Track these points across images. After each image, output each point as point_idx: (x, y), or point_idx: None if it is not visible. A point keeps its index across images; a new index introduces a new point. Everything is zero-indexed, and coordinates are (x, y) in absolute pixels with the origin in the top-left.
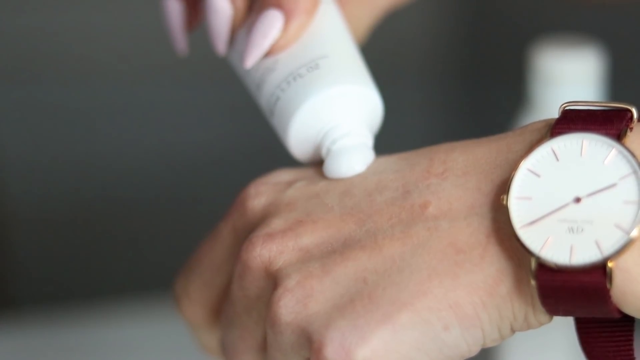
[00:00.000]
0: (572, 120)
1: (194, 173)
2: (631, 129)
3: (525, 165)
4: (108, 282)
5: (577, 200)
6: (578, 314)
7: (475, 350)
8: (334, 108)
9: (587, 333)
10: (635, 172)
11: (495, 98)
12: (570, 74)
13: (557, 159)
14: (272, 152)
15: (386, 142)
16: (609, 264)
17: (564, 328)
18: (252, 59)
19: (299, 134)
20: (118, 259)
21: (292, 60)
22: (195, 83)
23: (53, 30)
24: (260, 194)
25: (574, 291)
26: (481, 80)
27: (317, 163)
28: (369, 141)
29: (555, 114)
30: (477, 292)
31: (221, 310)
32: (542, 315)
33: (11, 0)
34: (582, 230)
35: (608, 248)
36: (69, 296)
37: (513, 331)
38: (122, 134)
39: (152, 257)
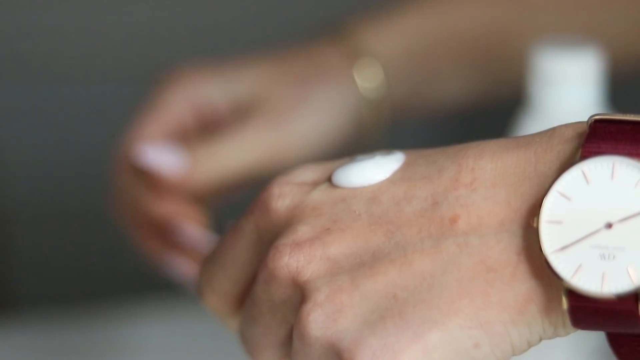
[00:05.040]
0: (602, 137)
1: None
2: None
3: (556, 187)
4: (109, 282)
5: (609, 226)
6: (609, 330)
7: None
8: None
9: (615, 336)
10: None
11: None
12: (570, 74)
13: (587, 182)
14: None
15: (388, 140)
16: None
17: None
18: None
19: None
20: (119, 259)
21: None
22: None
23: (53, 30)
24: (285, 194)
25: (606, 316)
26: None
27: (340, 161)
28: None
29: (555, 114)
30: (508, 310)
31: (243, 301)
32: (572, 328)
33: (11, 0)
34: (613, 257)
35: None
36: (70, 296)
37: (541, 340)
38: (122, 134)
39: None
